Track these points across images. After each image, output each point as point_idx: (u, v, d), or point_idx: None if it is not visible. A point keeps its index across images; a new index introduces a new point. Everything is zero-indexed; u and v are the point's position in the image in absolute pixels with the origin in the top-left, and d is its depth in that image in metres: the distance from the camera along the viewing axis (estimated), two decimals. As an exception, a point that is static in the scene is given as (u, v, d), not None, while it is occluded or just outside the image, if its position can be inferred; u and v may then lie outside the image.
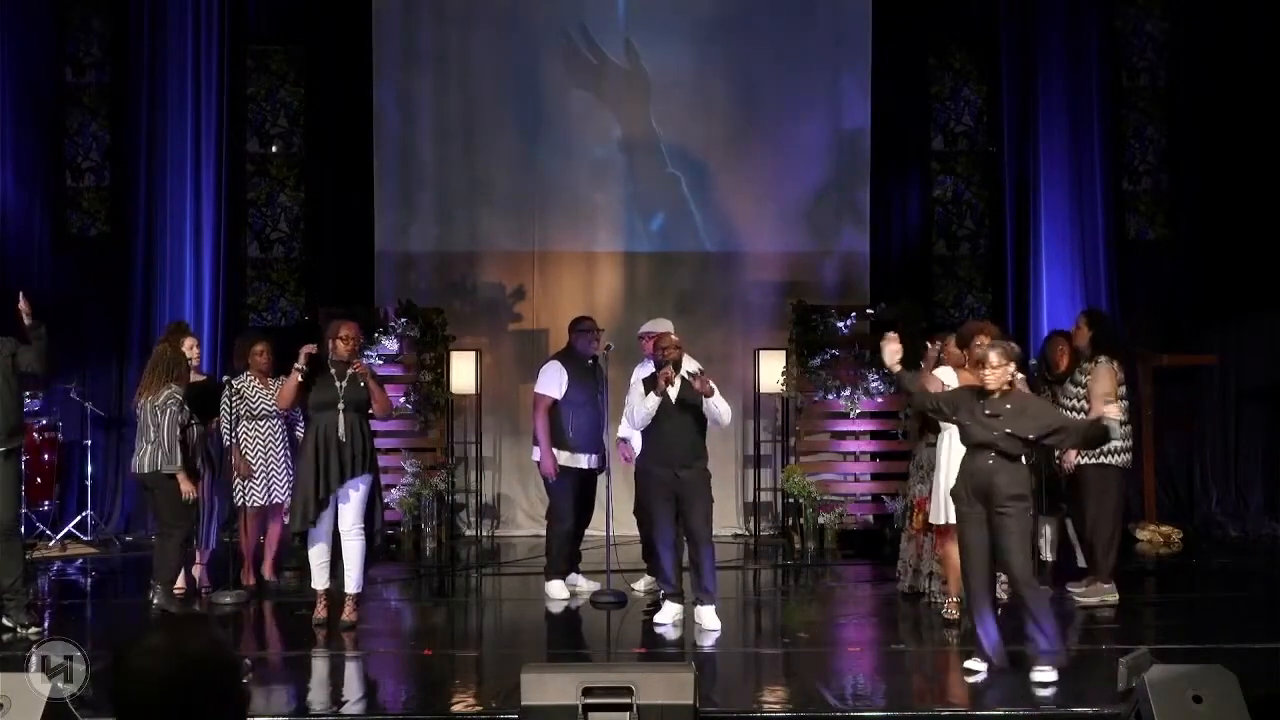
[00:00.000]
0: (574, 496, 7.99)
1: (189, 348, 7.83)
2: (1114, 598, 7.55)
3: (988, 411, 5.90)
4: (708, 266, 11.02)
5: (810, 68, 11.06)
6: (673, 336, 7.30)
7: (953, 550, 7.15)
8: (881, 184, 11.02)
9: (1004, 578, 7.63)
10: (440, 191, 11.07)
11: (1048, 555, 8.22)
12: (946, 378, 7.12)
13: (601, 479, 8.04)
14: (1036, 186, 10.88)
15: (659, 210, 11.06)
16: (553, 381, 7.93)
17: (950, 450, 7.02)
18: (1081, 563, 8.00)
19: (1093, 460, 7.48)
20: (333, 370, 7.01)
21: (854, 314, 10.27)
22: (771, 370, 10.14)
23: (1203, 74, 10.96)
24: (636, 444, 7.50)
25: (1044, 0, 10.93)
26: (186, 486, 7.40)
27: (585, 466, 8.00)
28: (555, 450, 7.87)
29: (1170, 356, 10.39)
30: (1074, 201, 10.85)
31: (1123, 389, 7.63)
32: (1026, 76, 10.96)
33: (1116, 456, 7.53)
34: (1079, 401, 7.57)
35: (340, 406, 6.90)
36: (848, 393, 10.04)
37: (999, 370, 5.89)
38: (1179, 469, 10.91)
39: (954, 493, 6.11)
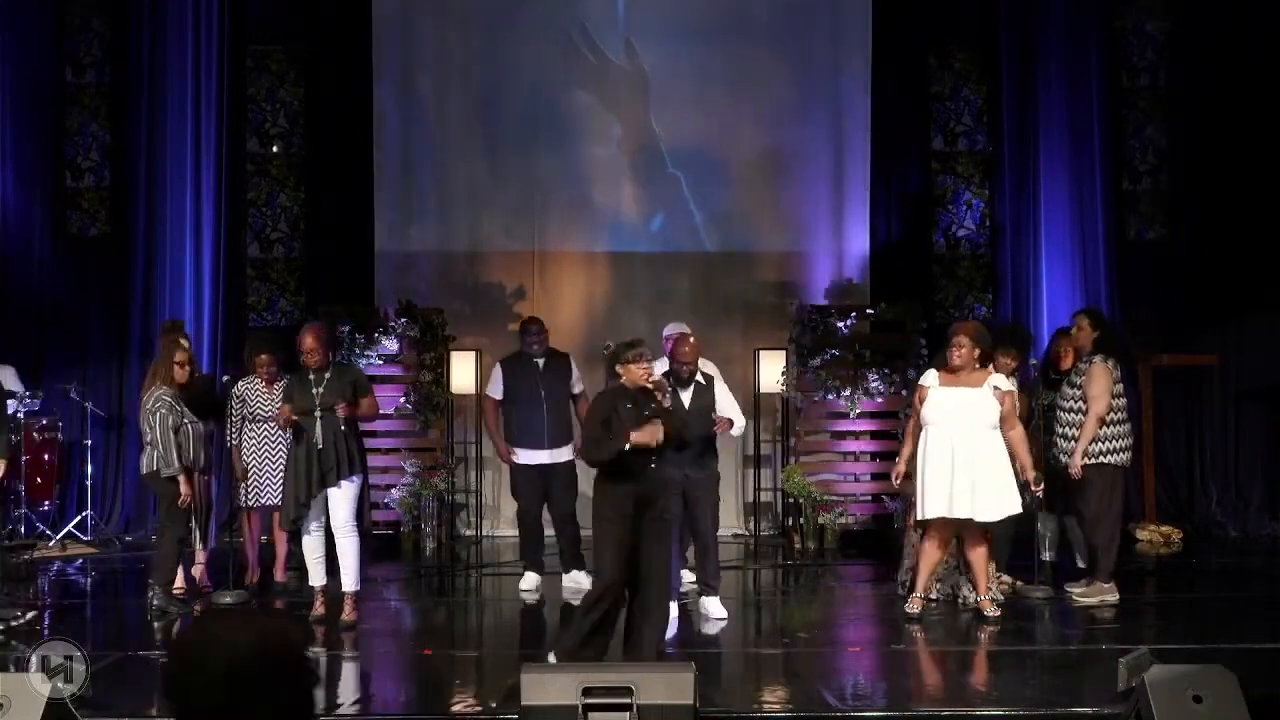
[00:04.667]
0: (528, 490, 8.28)
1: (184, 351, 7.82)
2: (1114, 597, 7.55)
3: (645, 412, 5.76)
4: (708, 266, 11.02)
5: (810, 68, 11.06)
6: (691, 340, 7.31)
7: (978, 551, 7.18)
8: (882, 184, 11.02)
9: (1004, 577, 7.69)
10: (440, 191, 11.07)
11: (1048, 555, 8.23)
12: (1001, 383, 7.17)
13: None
14: (1036, 186, 10.87)
15: (659, 210, 11.06)
16: (491, 382, 8.52)
17: (927, 449, 7.08)
18: (1082, 563, 8.00)
19: (1092, 460, 7.49)
20: (311, 376, 7.00)
21: (854, 314, 10.27)
22: (771, 370, 10.14)
23: (1203, 74, 10.95)
24: None
25: (1044, 0, 10.93)
26: (185, 490, 7.41)
27: (533, 462, 8.22)
28: (511, 446, 8.30)
29: (1170, 356, 10.39)
30: (1074, 201, 10.84)
31: (1119, 387, 7.63)
32: (1026, 76, 10.95)
33: (1116, 456, 7.54)
34: (1077, 403, 7.57)
35: (317, 414, 6.89)
36: (848, 393, 10.04)
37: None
38: (1179, 469, 10.90)
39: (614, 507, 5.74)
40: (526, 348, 8.36)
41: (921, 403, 7.18)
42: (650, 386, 5.81)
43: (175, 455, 7.35)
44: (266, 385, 8.01)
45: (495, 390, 8.40)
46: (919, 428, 7.21)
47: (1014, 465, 7.10)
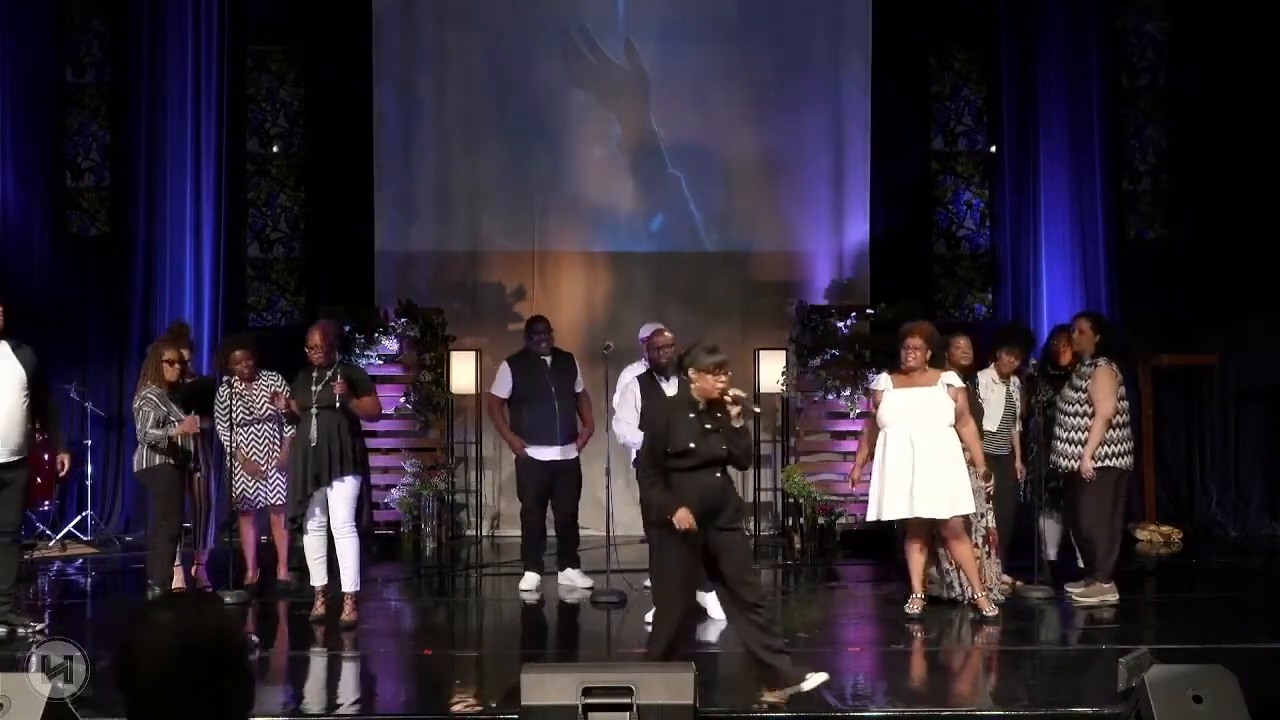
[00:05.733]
0: (534, 488, 8.27)
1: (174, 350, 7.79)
2: (1114, 598, 7.55)
3: (708, 426, 5.38)
4: (707, 266, 11.02)
5: (810, 68, 11.06)
6: (666, 335, 7.33)
7: (959, 548, 7.20)
8: (881, 184, 11.02)
9: (1004, 577, 7.69)
10: (440, 191, 11.08)
11: (1049, 555, 8.23)
12: (953, 380, 7.19)
13: (601, 479, 8.06)
14: (1036, 186, 10.87)
15: (659, 210, 11.06)
16: (498, 381, 8.47)
17: (886, 451, 7.10)
18: (1082, 563, 7.99)
19: (1097, 463, 7.47)
20: (314, 373, 7.05)
21: (854, 314, 10.26)
22: (771, 370, 10.13)
23: (1203, 74, 10.95)
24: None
25: (1044, 0, 10.93)
26: (189, 424, 7.39)
27: (545, 459, 8.24)
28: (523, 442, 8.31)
29: (1170, 356, 10.39)
30: (1074, 201, 10.84)
31: (1122, 389, 7.63)
32: (1026, 76, 10.95)
33: (1119, 459, 7.52)
34: (1081, 406, 7.56)
35: (314, 411, 6.94)
36: (848, 393, 10.03)
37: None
38: (1179, 469, 10.90)
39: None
40: (534, 346, 8.37)
41: (876, 406, 7.30)
42: (727, 401, 5.32)
43: (149, 450, 7.42)
44: (245, 384, 7.97)
45: (502, 389, 8.40)
46: (875, 431, 7.31)
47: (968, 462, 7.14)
